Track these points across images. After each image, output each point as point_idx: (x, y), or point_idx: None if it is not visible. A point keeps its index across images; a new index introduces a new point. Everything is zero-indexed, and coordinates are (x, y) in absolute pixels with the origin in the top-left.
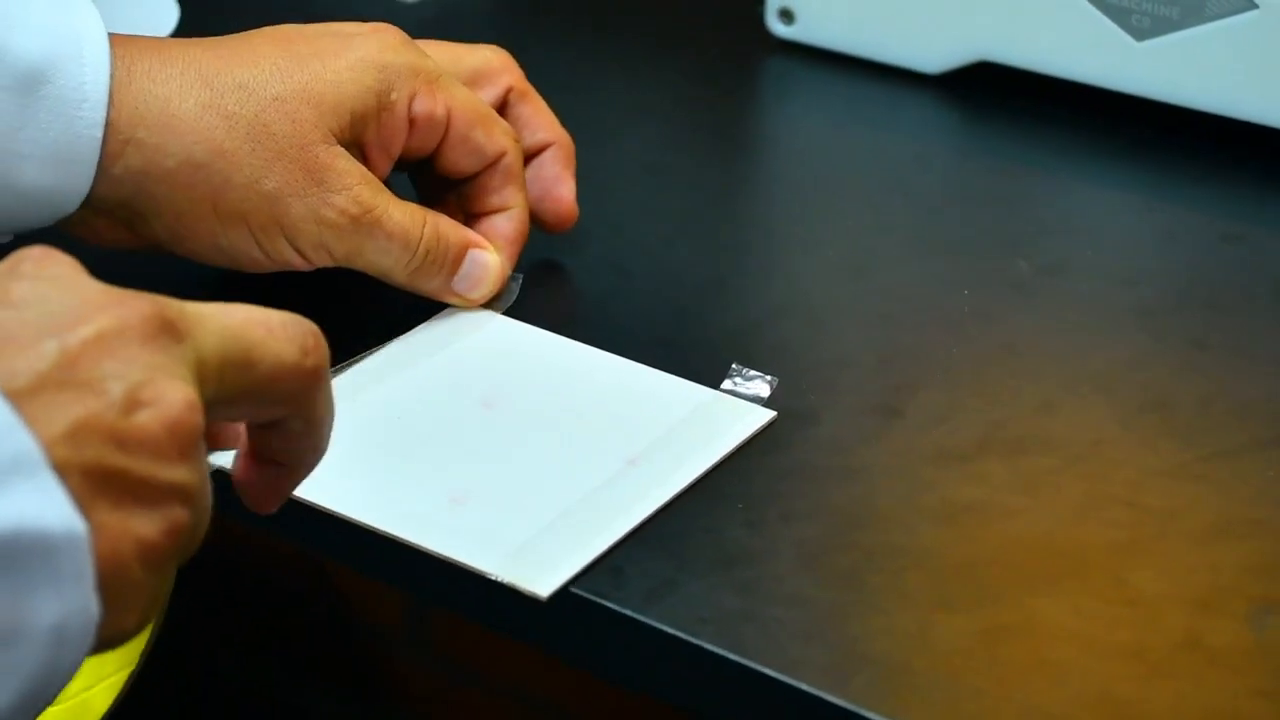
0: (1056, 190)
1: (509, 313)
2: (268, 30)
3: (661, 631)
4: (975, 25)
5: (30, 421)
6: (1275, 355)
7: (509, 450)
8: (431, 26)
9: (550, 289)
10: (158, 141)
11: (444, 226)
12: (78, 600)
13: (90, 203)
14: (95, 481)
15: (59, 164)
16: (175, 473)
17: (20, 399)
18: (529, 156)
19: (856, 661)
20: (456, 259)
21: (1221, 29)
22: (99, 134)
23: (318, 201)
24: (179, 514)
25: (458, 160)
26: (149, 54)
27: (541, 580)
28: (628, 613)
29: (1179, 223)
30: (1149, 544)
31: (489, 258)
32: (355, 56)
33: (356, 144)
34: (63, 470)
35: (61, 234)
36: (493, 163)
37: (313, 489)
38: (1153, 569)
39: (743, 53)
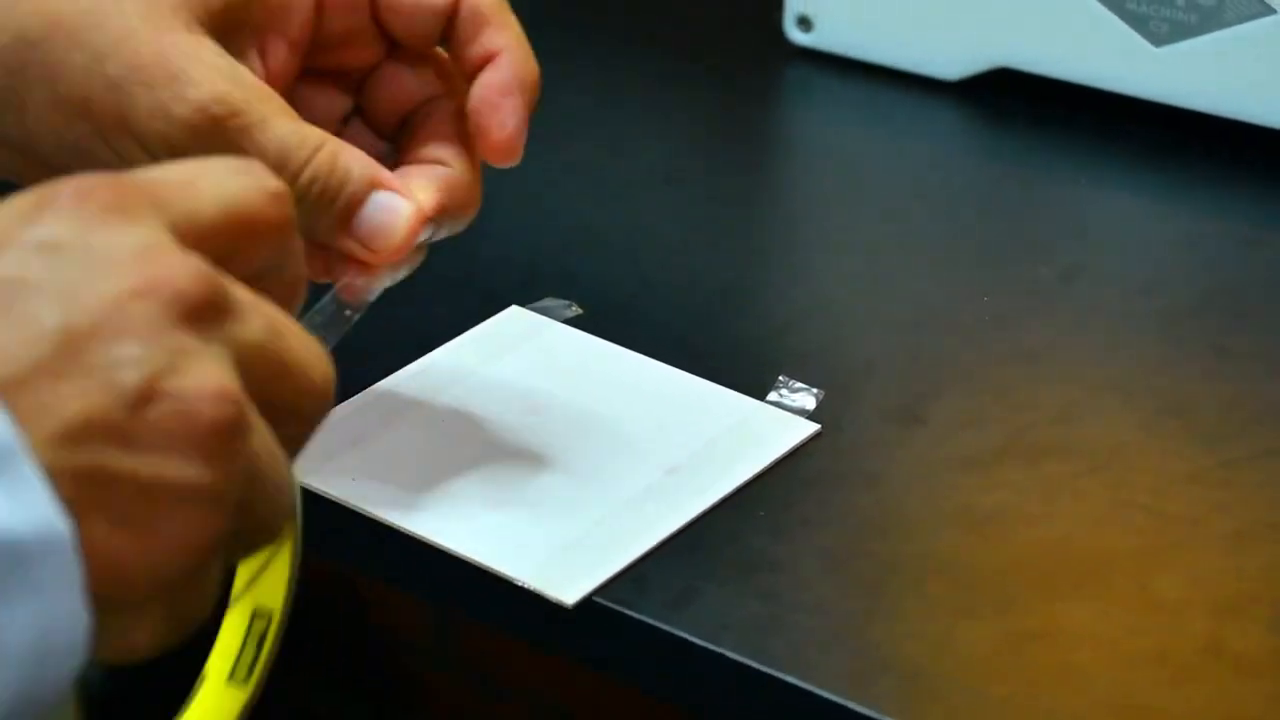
0: (1076, 196)
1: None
2: None
3: (684, 639)
4: (993, 32)
5: (20, 417)
6: None
7: (550, 457)
8: None
9: (570, 296)
10: None
11: (346, 156)
12: (63, 610)
13: None
14: (94, 486)
15: None
16: (196, 474)
17: (10, 390)
18: (472, 70)
19: (879, 668)
20: (356, 198)
21: (1239, 34)
22: None
23: (169, 95)
24: (202, 520)
25: (396, 27)
26: None
27: (568, 588)
28: (650, 621)
29: (1199, 228)
30: (1171, 550)
31: (400, 203)
32: None
33: (239, 29)
34: (54, 474)
35: None
36: (445, 22)
37: (349, 491)
38: (1175, 574)
39: (761, 60)
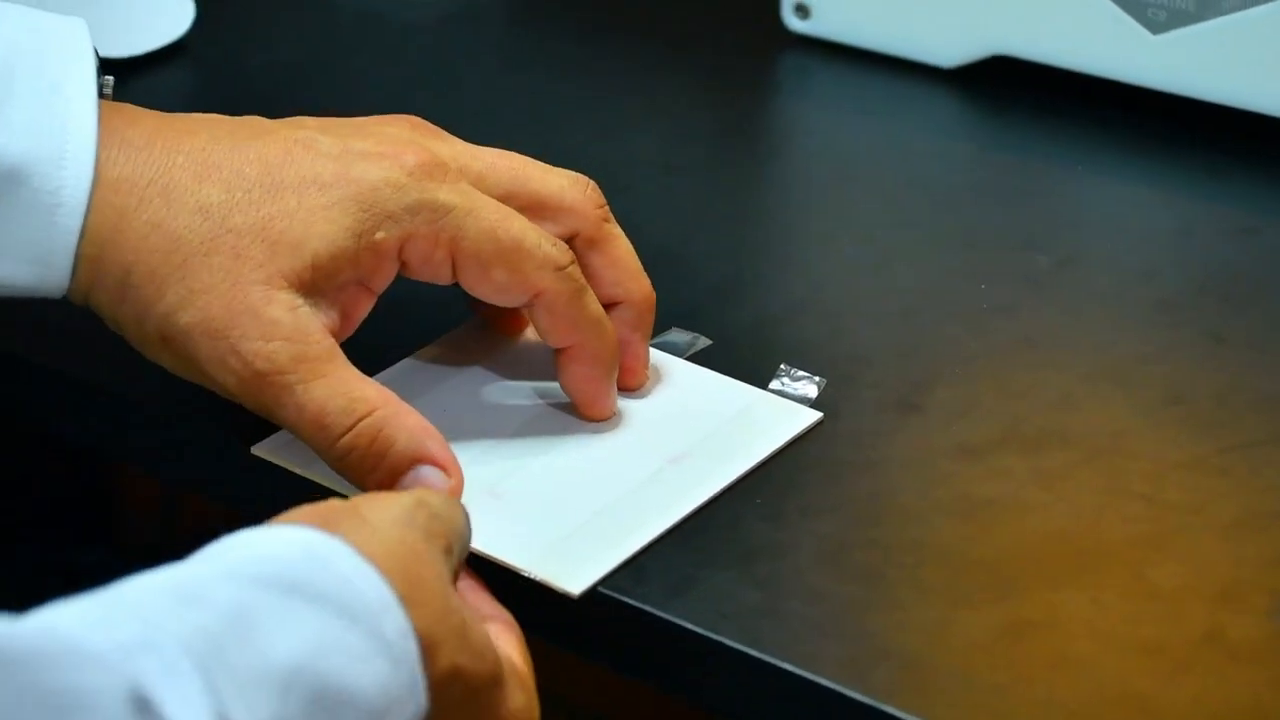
0: (1073, 184)
1: None
2: (284, 132)
3: (682, 627)
4: (991, 19)
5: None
6: None
7: (554, 446)
8: (449, 23)
9: None
10: (104, 255)
11: (392, 428)
12: None
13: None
14: None
15: (35, 264)
16: None
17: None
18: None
19: (876, 656)
20: (396, 470)
21: (1237, 22)
22: (74, 241)
23: (226, 347)
24: None
25: (489, 298)
26: (124, 156)
27: (573, 577)
28: (648, 609)
29: (1196, 216)
30: (1169, 538)
31: (438, 480)
32: (343, 192)
33: (327, 286)
34: None
35: None
36: (532, 303)
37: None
38: (1173, 563)
39: (758, 48)
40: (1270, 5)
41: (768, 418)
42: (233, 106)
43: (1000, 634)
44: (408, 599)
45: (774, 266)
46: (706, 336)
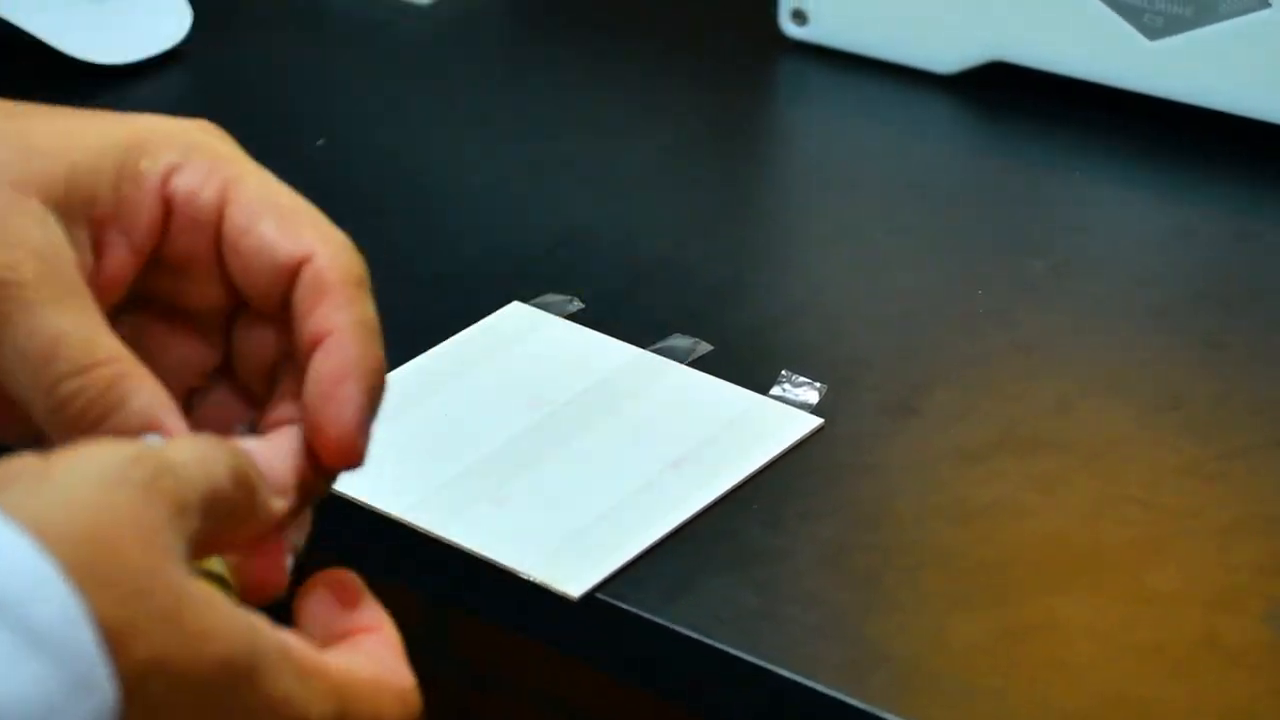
0: (1070, 190)
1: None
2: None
3: (679, 631)
4: (988, 25)
5: None
6: None
7: (554, 451)
8: (446, 28)
9: (569, 291)
10: None
11: (133, 384)
12: None
13: None
14: None
15: None
16: None
17: None
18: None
19: (873, 661)
20: (119, 432)
21: (1234, 28)
22: None
23: None
24: None
25: (237, 273)
26: None
27: (573, 581)
28: (645, 614)
29: (1193, 221)
30: (1166, 543)
31: None
32: (120, 117)
33: (80, 213)
34: None
35: None
36: (288, 282)
37: (353, 484)
38: (1169, 568)
39: (756, 53)
40: (1266, 11)
41: (768, 423)
42: (229, 112)
43: (998, 638)
44: (90, 577)
45: (773, 270)
46: (707, 341)
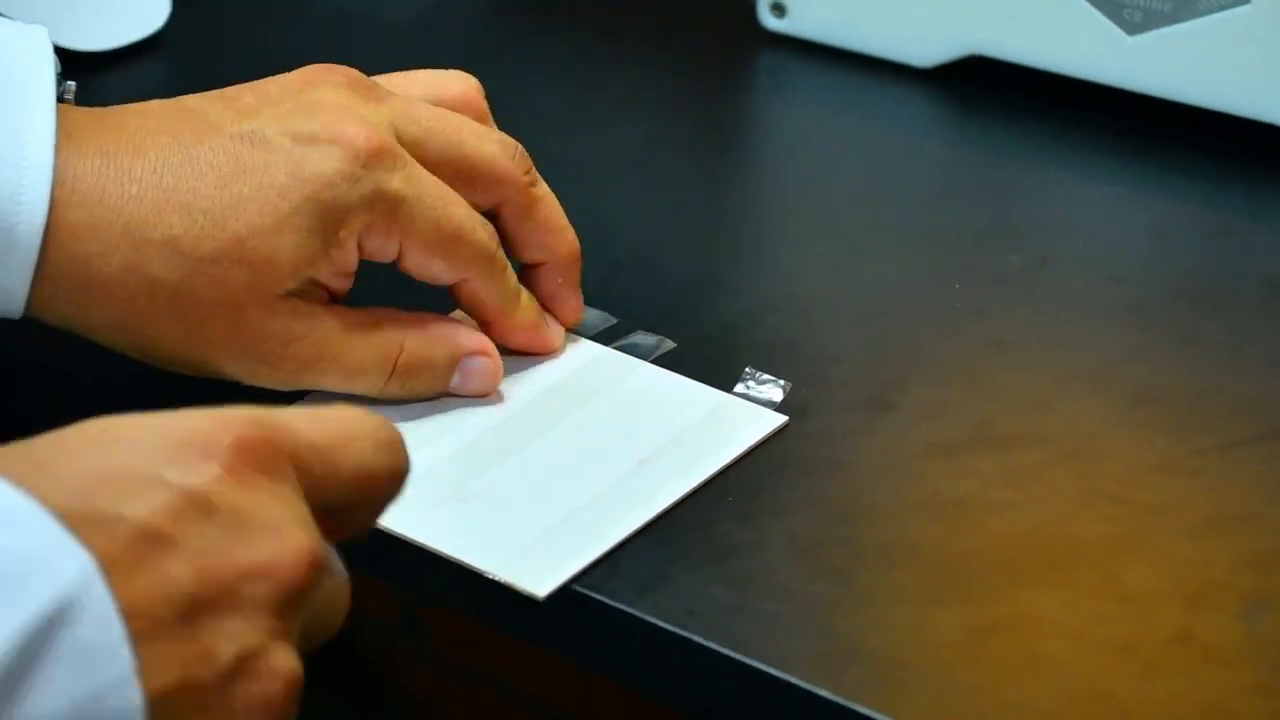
0: (1047, 185)
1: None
2: (229, 126)
3: (652, 624)
4: (967, 19)
5: (142, 672)
6: (1267, 350)
7: (520, 449)
8: (428, 21)
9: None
10: (81, 301)
11: (417, 345)
12: None
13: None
14: None
15: None
16: None
17: (142, 642)
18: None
19: (847, 655)
20: (444, 373)
21: (1214, 23)
22: (29, 276)
23: (254, 363)
24: None
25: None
26: (78, 197)
27: (539, 580)
28: (619, 605)
29: (1170, 217)
30: (1141, 539)
31: (482, 364)
32: (301, 194)
33: (307, 279)
34: None
35: None
36: (458, 285)
37: None
38: (1145, 564)
39: (734, 46)
40: (1246, 7)
41: (733, 422)
42: None
43: (971, 633)
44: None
45: (748, 265)
46: (678, 336)
